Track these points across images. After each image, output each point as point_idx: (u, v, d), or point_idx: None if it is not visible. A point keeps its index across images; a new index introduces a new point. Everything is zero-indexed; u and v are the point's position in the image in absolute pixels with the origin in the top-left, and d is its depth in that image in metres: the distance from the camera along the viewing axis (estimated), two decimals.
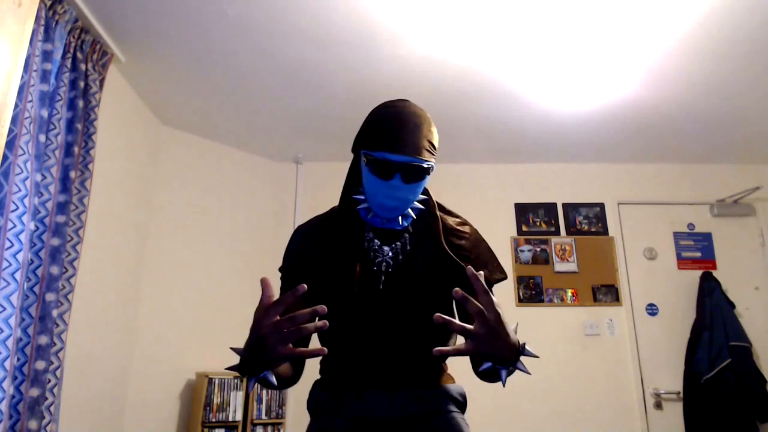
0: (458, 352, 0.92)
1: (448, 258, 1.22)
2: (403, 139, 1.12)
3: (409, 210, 1.23)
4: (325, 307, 0.87)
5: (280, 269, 1.30)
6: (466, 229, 1.31)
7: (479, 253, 1.27)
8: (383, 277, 1.20)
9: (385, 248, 1.23)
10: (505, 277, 1.29)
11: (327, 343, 1.28)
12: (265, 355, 0.91)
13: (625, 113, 3.23)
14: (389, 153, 1.12)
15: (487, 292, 0.92)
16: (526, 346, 0.99)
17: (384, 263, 1.22)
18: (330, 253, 1.24)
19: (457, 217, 1.34)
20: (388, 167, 1.13)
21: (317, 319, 1.01)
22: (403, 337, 1.21)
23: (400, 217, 1.22)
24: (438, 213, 1.28)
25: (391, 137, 1.12)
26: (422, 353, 1.22)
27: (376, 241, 1.24)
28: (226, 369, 1.04)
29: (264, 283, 0.92)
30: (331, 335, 1.25)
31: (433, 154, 1.17)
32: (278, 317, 0.90)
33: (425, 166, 1.15)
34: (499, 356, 0.95)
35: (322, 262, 1.23)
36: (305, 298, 1.23)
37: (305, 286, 0.86)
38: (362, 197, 1.24)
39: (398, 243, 1.24)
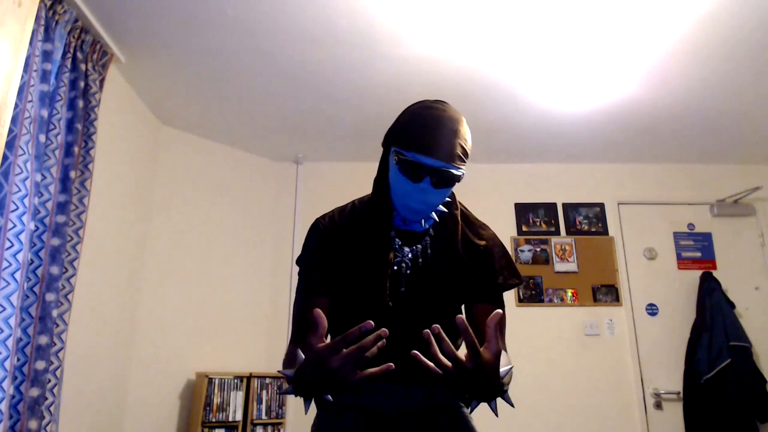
0: (435, 372, 0.91)
1: (464, 263, 1.22)
2: (438, 142, 1.09)
3: (432, 213, 1.22)
4: (372, 322, 0.85)
5: (299, 262, 1.28)
6: (485, 233, 1.29)
7: (496, 258, 1.26)
8: (403, 279, 1.20)
9: (406, 249, 1.22)
10: (520, 282, 1.28)
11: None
12: (337, 385, 0.91)
13: (625, 113, 3.23)
14: (422, 155, 1.09)
15: (495, 338, 0.90)
16: (507, 393, 0.98)
17: (403, 264, 1.21)
18: (355, 252, 1.22)
19: (475, 220, 1.32)
20: (418, 169, 1.10)
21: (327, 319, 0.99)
22: (416, 336, 1.22)
23: (422, 219, 1.21)
24: (459, 216, 1.27)
25: (425, 139, 1.09)
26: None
27: (397, 240, 1.23)
28: (279, 393, 1.05)
29: (318, 317, 0.91)
30: (346, 329, 1.26)
31: (465, 163, 1.14)
32: (344, 350, 0.88)
33: (456, 173, 1.12)
34: (473, 392, 0.94)
35: (346, 261, 1.22)
36: (330, 294, 1.23)
37: (372, 323, 0.85)
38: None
39: (419, 246, 1.23)
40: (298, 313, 1.25)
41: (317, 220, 1.31)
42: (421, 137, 1.10)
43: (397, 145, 1.14)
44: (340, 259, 1.22)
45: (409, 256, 1.22)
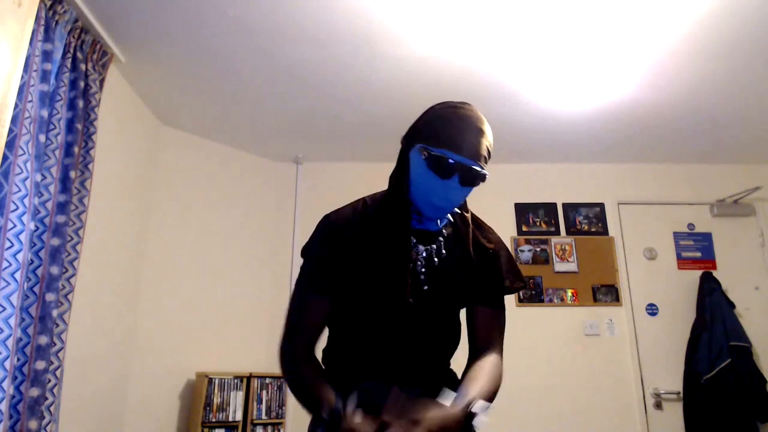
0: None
1: (474, 265, 1.24)
2: (468, 141, 1.12)
3: (448, 213, 1.23)
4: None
5: (305, 255, 1.24)
6: (492, 236, 1.31)
7: (502, 261, 1.29)
8: (423, 278, 1.20)
9: (420, 247, 1.22)
10: (524, 286, 1.31)
11: (344, 338, 1.26)
12: None
13: (625, 113, 3.23)
14: (453, 152, 1.11)
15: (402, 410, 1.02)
16: (478, 414, 1.04)
17: (418, 263, 1.21)
18: (370, 250, 1.20)
19: (484, 223, 1.34)
20: (448, 166, 1.11)
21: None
22: (423, 337, 1.22)
23: (439, 219, 1.22)
24: (470, 218, 1.29)
25: (456, 137, 1.12)
26: (436, 353, 1.24)
27: (412, 238, 1.22)
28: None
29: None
30: (348, 329, 1.24)
31: (487, 163, 1.17)
32: None
33: (482, 173, 1.14)
34: None
35: (359, 260, 1.19)
36: (334, 295, 1.21)
37: None
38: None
39: (433, 246, 1.23)
40: (297, 310, 1.22)
41: (327, 216, 1.26)
42: (453, 135, 1.12)
43: (425, 141, 1.15)
44: (352, 258, 1.20)
45: (424, 254, 1.22)
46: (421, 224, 1.23)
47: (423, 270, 1.21)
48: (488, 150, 1.16)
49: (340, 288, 1.21)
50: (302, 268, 1.25)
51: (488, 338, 1.25)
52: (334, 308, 1.24)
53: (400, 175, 1.22)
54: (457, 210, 1.26)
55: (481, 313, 1.26)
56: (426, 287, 1.21)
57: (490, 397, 1.12)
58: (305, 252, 1.25)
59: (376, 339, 1.21)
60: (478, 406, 1.03)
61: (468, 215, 1.29)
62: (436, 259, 1.22)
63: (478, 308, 1.27)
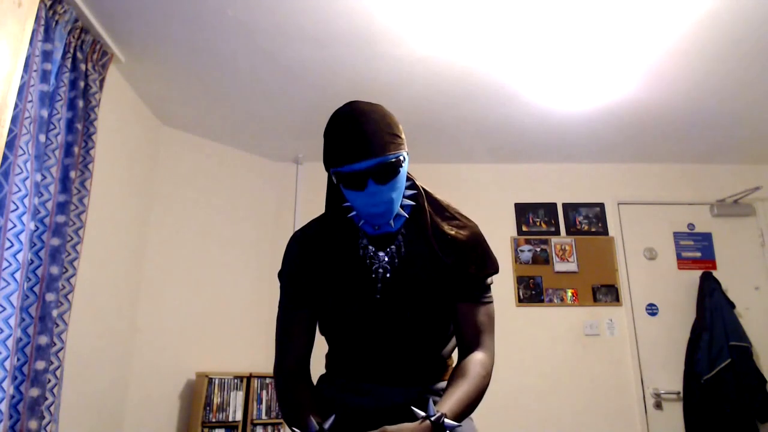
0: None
1: (438, 256, 1.20)
2: (359, 143, 1.08)
3: (401, 210, 1.20)
4: None
5: (279, 276, 1.30)
6: (458, 222, 1.25)
7: (468, 247, 1.22)
8: (380, 285, 1.20)
9: (381, 254, 1.21)
10: (495, 272, 1.24)
11: (332, 344, 1.31)
12: None
13: (625, 113, 3.23)
14: (351, 163, 1.08)
15: None
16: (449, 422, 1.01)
17: (381, 269, 1.21)
18: (327, 262, 1.23)
19: (448, 208, 1.28)
20: (357, 177, 1.09)
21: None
22: (404, 339, 1.21)
23: (391, 220, 1.20)
24: (427, 207, 1.23)
25: (347, 147, 1.09)
26: (423, 353, 1.24)
27: (370, 247, 1.22)
28: None
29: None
30: (336, 336, 1.27)
31: (400, 144, 1.12)
32: None
33: (392, 160, 1.10)
34: None
35: (321, 271, 1.23)
36: (312, 307, 1.25)
37: None
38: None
39: (393, 247, 1.22)
40: (281, 328, 1.27)
41: (294, 234, 1.33)
42: (341, 148, 1.10)
43: (327, 165, 1.16)
44: (318, 272, 1.23)
45: (386, 259, 1.21)
46: (378, 230, 1.22)
47: (388, 276, 1.20)
48: (386, 135, 1.10)
49: (316, 299, 1.24)
50: (280, 288, 1.30)
51: (473, 335, 1.21)
52: (318, 318, 1.28)
53: (334, 198, 1.25)
54: (411, 202, 1.22)
55: (460, 309, 1.22)
56: (389, 291, 1.20)
57: (470, 403, 1.10)
58: (279, 274, 1.31)
59: (358, 343, 1.23)
60: (448, 423, 0.99)
61: (425, 204, 1.23)
62: (396, 261, 1.21)
63: (457, 305, 1.22)
